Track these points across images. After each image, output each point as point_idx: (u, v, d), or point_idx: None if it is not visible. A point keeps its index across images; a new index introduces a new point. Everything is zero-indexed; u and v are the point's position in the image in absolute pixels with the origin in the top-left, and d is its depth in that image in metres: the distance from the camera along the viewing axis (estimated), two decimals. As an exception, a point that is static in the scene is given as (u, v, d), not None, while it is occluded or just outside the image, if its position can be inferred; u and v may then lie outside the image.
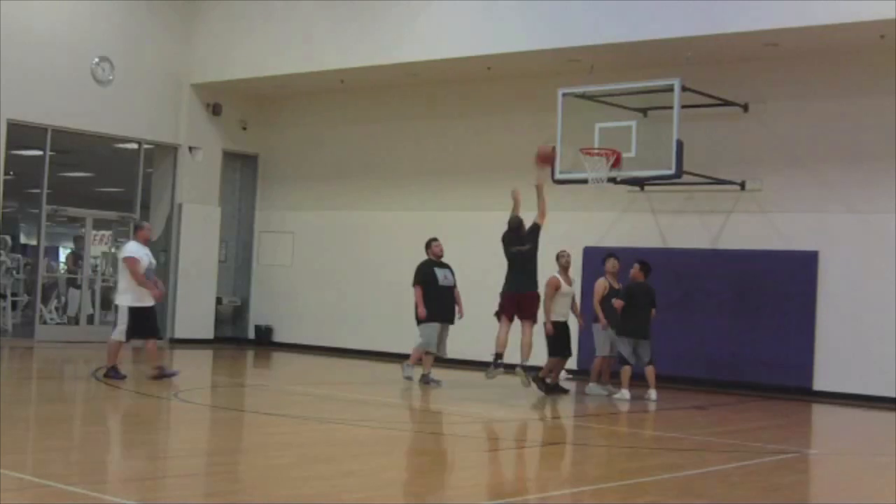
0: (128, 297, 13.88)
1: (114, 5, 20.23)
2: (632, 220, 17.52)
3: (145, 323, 13.98)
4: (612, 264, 15.29)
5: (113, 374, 13.87)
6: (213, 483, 8.21)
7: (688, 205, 17.10)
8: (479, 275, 16.82)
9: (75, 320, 20.37)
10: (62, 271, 26.03)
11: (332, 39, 19.11)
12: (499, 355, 14.11)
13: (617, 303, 14.74)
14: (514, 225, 14.48)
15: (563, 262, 15.06)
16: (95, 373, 14.28)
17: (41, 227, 20.24)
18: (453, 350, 16.08)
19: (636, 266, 14.98)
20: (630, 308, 14.70)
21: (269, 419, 11.66)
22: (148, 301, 13.99)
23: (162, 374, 14.04)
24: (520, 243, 14.34)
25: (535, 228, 14.43)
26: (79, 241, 20.71)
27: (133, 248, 14.12)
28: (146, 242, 14.37)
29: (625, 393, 14.56)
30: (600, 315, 14.94)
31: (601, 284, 15.17)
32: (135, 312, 13.84)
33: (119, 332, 13.85)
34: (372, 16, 18.72)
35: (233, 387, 15.98)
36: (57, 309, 21.26)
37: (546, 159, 14.93)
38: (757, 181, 16.54)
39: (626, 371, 14.69)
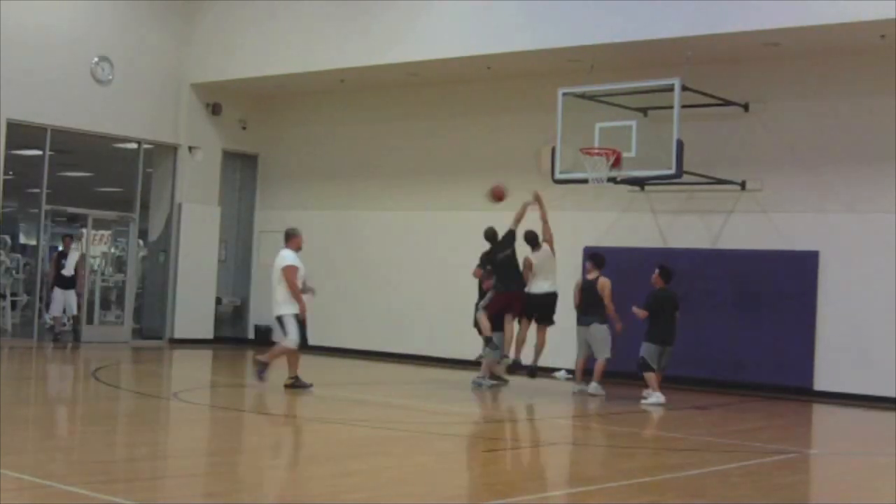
0: (290, 306, 13.58)
1: (114, 5, 20.23)
2: (632, 220, 17.51)
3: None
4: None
5: (299, 383, 13.65)
6: (213, 483, 8.21)
7: (688, 205, 17.10)
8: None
9: (63, 322, 20.13)
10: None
11: (332, 39, 19.10)
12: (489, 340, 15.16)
13: (641, 312, 14.41)
14: (490, 235, 15.52)
15: None
16: (288, 385, 13.71)
17: (41, 228, 20.23)
18: (454, 350, 16.16)
19: (656, 272, 14.65)
20: (656, 315, 14.41)
21: (268, 419, 11.66)
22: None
23: (297, 384, 13.73)
24: (502, 250, 15.32)
25: (510, 234, 15.43)
26: (65, 239, 20.44)
27: (292, 258, 13.74)
28: (298, 250, 13.99)
29: (659, 396, 14.23)
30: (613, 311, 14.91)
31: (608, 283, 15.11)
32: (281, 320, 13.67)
33: (292, 341, 13.59)
34: (372, 16, 18.71)
35: (233, 387, 15.97)
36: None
37: (498, 196, 15.72)
38: (757, 181, 16.54)
39: (653, 376, 14.34)
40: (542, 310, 15.33)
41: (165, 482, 8.16)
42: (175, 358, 19.44)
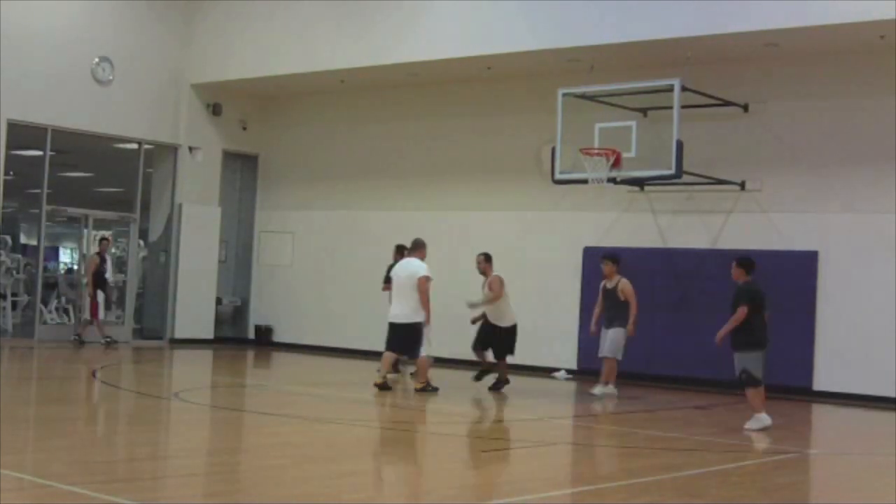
0: (424, 314, 13.78)
1: (114, 5, 20.24)
2: (632, 220, 17.51)
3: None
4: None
5: (430, 388, 13.96)
6: (213, 483, 8.22)
7: (688, 205, 17.10)
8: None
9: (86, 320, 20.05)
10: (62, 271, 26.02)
11: (332, 39, 19.11)
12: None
13: (740, 311, 11.85)
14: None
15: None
16: (419, 391, 13.98)
17: (41, 228, 20.23)
18: (453, 350, 16.14)
19: (734, 265, 12.34)
20: (755, 315, 11.96)
21: (268, 419, 11.66)
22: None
23: (428, 387, 13.99)
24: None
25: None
26: (102, 242, 20.45)
27: (426, 268, 13.86)
28: (423, 260, 14.10)
29: (765, 419, 12.06)
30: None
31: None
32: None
33: (427, 349, 13.85)
34: (372, 16, 18.72)
35: (233, 387, 15.98)
36: (57, 309, 21.24)
37: None
38: (756, 181, 16.54)
39: (759, 392, 12.07)
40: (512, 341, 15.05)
41: (165, 482, 8.16)
42: (175, 358, 19.45)
